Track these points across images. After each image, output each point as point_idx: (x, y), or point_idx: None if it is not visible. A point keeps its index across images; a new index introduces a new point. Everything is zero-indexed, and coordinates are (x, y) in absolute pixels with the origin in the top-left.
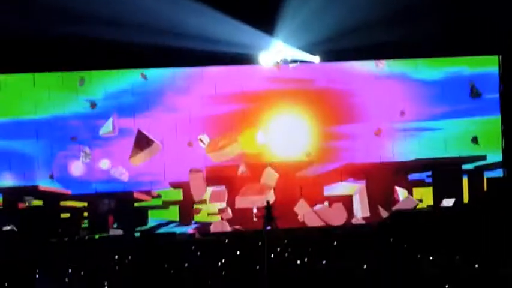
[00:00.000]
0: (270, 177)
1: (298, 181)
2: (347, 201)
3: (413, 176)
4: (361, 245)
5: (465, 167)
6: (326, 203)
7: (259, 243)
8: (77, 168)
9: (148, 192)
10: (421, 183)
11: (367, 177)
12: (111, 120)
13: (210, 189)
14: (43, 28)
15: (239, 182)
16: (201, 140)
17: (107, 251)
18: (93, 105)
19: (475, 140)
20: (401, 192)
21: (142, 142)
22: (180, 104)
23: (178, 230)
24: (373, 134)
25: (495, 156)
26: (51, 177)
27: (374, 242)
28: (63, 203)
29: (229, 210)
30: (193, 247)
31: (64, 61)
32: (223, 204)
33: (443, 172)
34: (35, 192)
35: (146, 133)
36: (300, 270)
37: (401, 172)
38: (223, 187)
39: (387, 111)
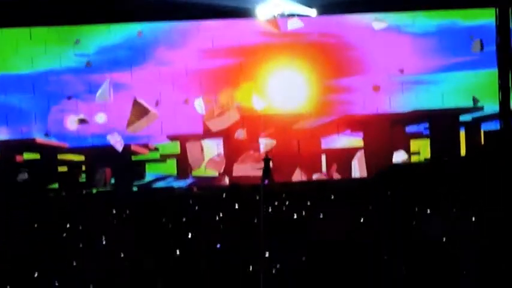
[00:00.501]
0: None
1: (296, 134)
2: (344, 157)
3: (410, 128)
4: (359, 198)
5: (462, 118)
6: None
7: (257, 197)
8: (72, 123)
9: (145, 146)
10: (418, 136)
11: (365, 129)
12: (107, 86)
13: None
14: None
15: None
16: (197, 105)
17: (105, 206)
18: (88, 63)
19: (475, 101)
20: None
21: (138, 111)
22: (176, 58)
23: (176, 184)
24: (371, 89)
25: (492, 106)
26: (47, 135)
27: (371, 195)
28: (60, 157)
29: (226, 179)
30: (191, 201)
31: (60, 15)
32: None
33: (440, 124)
34: (32, 145)
35: (142, 101)
36: (297, 224)
37: (399, 123)
38: (221, 154)
39: (385, 66)
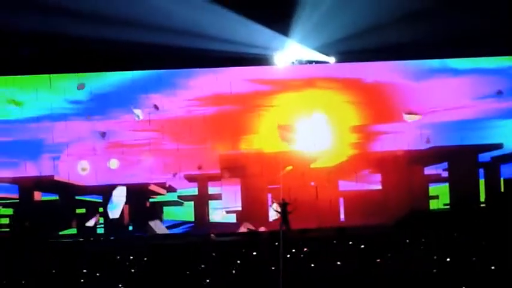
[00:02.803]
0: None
1: (313, 174)
2: (362, 200)
3: (429, 170)
4: (377, 245)
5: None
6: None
7: (276, 244)
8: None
9: (163, 185)
10: (437, 178)
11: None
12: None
13: None
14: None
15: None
16: None
17: (124, 252)
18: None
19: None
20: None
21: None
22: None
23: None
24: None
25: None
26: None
27: (390, 242)
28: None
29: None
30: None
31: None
32: None
33: (459, 166)
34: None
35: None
36: (314, 271)
37: (417, 162)
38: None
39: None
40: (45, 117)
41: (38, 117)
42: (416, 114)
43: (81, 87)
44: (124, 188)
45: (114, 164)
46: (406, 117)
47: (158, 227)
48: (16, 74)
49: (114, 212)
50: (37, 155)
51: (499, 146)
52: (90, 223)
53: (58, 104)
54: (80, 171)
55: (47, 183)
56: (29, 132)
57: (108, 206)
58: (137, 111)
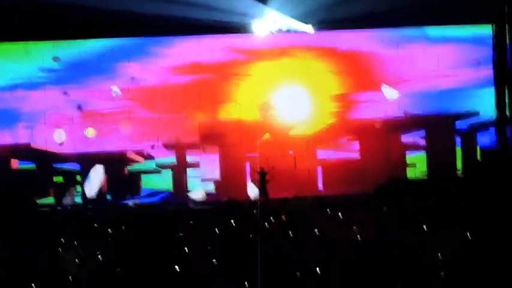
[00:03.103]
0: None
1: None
2: (341, 169)
3: (406, 137)
4: (356, 214)
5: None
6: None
7: (254, 211)
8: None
9: (140, 153)
10: (414, 147)
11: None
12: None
13: None
14: None
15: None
16: None
17: (101, 221)
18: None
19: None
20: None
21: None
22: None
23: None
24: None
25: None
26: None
27: (368, 210)
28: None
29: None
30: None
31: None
32: None
33: (436, 133)
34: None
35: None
36: (293, 240)
37: (395, 131)
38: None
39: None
40: (19, 85)
41: (12, 86)
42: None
43: (55, 59)
44: (102, 166)
45: (90, 132)
46: (385, 91)
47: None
48: None
49: (92, 190)
50: (12, 124)
51: (475, 114)
52: (67, 201)
53: (33, 73)
54: (56, 140)
55: (23, 151)
56: (2, 101)
57: (85, 183)
58: (114, 88)
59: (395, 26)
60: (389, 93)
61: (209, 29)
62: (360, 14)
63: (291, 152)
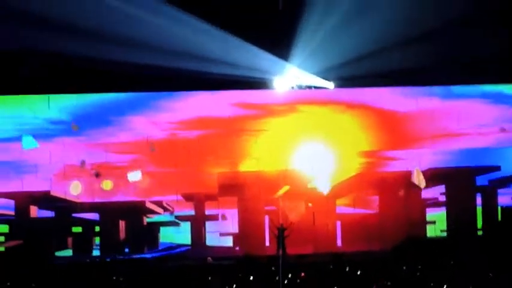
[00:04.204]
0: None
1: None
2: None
3: (427, 193)
4: (375, 271)
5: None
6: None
7: (273, 268)
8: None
9: (160, 203)
10: (434, 203)
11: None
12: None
13: None
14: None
15: None
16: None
17: (118, 274)
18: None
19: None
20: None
21: None
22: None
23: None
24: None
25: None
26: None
27: (388, 268)
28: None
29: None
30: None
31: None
32: None
33: (457, 190)
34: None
35: None
36: None
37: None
38: None
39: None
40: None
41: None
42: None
43: (74, 127)
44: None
45: (107, 185)
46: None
47: None
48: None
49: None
50: (27, 174)
51: (496, 169)
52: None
53: (41, 125)
54: (73, 192)
55: (43, 198)
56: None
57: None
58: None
59: (417, 84)
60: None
61: (231, 84)
62: (382, 71)
63: (310, 204)
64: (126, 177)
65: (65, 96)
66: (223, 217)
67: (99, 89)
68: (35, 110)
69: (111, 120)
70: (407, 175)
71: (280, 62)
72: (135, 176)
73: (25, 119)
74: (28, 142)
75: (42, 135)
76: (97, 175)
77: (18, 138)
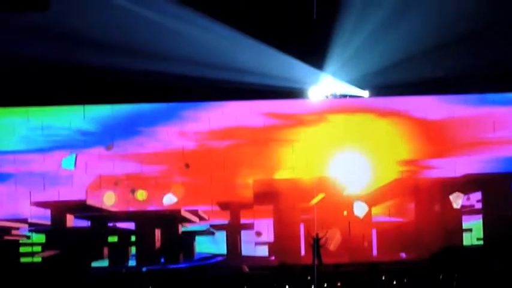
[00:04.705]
0: None
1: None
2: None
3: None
4: (411, 280)
5: None
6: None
7: (308, 278)
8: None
9: (195, 212)
10: (470, 210)
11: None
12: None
13: None
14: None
15: None
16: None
17: (154, 285)
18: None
19: None
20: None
21: None
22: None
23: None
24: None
25: None
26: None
27: (424, 278)
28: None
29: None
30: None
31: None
32: None
33: (493, 196)
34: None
35: None
36: None
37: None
38: None
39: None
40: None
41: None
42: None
43: (110, 147)
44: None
45: (141, 195)
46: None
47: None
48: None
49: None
50: (65, 186)
51: None
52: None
53: (71, 136)
54: (107, 203)
55: (79, 207)
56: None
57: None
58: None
59: (452, 92)
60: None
61: (265, 94)
62: (415, 79)
63: (345, 213)
64: (161, 200)
65: (97, 107)
66: (258, 234)
67: (130, 100)
68: (68, 121)
69: (142, 131)
70: (443, 182)
71: (315, 71)
72: (170, 199)
73: (57, 130)
74: (68, 162)
75: (74, 145)
76: (133, 191)
77: (51, 149)
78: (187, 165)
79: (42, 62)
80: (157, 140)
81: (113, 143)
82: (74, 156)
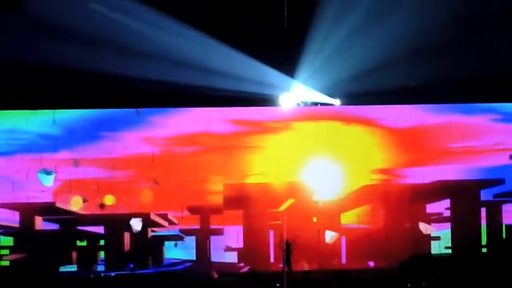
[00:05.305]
0: None
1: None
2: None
3: (431, 208)
4: None
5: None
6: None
7: (277, 285)
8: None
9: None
10: (439, 218)
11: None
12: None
13: None
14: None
15: None
16: None
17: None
18: None
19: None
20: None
21: None
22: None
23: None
24: None
25: None
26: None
27: (392, 286)
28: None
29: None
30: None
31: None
32: None
33: (462, 205)
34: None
35: None
36: None
37: (420, 198)
38: None
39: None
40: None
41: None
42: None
43: (76, 163)
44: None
45: (109, 200)
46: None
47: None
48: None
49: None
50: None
51: (501, 182)
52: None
53: (33, 140)
54: (74, 208)
55: (48, 210)
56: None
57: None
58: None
59: (423, 102)
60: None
61: (235, 100)
62: (386, 88)
63: (315, 219)
64: (130, 224)
65: (63, 111)
66: (228, 248)
67: (94, 105)
68: (33, 125)
69: (108, 136)
70: (413, 188)
71: (286, 78)
72: (137, 224)
73: (21, 134)
74: (46, 179)
75: (38, 150)
76: (102, 206)
77: (14, 153)
78: (156, 182)
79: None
80: (125, 145)
81: (78, 159)
82: (53, 174)
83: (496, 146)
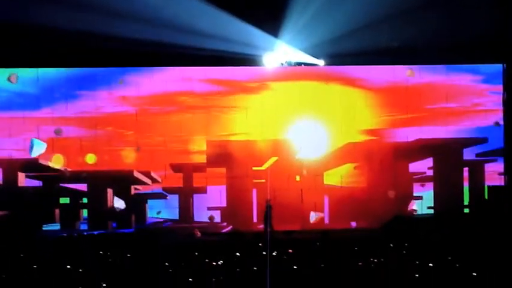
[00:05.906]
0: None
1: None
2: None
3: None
4: (362, 249)
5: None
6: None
7: (260, 244)
8: None
9: (148, 174)
10: (422, 178)
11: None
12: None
13: None
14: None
15: None
16: None
17: (106, 248)
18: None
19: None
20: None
21: None
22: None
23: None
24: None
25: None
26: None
27: (374, 246)
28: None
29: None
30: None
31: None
32: None
33: (444, 165)
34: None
35: None
36: (298, 273)
37: (403, 157)
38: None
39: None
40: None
41: None
42: None
43: (58, 132)
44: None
45: (91, 158)
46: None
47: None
48: None
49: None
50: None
51: (483, 141)
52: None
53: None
54: (55, 165)
55: (31, 166)
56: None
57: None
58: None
59: (406, 63)
60: None
61: (220, 60)
62: (372, 49)
63: (298, 178)
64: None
65: (38, 70)
66: (211, 218)
67: (76, 64)
68: (7, 82)
69: (88, 95)
70: (396, 146)
71: (271, 38)
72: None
73: None
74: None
75: (13, 107)
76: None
77: None
78: (138, 149)
79: None
80: (108, 104)
81: (61, 128)
82: (44, 146)
83: (475, 106)
